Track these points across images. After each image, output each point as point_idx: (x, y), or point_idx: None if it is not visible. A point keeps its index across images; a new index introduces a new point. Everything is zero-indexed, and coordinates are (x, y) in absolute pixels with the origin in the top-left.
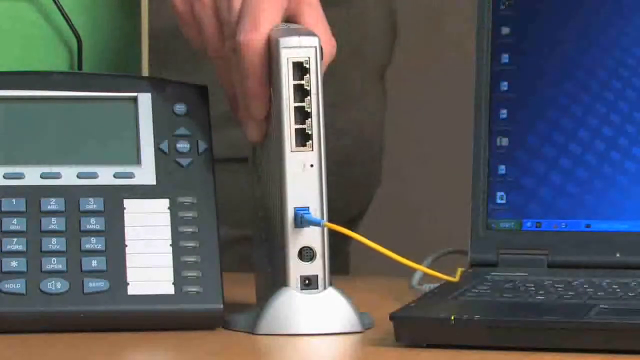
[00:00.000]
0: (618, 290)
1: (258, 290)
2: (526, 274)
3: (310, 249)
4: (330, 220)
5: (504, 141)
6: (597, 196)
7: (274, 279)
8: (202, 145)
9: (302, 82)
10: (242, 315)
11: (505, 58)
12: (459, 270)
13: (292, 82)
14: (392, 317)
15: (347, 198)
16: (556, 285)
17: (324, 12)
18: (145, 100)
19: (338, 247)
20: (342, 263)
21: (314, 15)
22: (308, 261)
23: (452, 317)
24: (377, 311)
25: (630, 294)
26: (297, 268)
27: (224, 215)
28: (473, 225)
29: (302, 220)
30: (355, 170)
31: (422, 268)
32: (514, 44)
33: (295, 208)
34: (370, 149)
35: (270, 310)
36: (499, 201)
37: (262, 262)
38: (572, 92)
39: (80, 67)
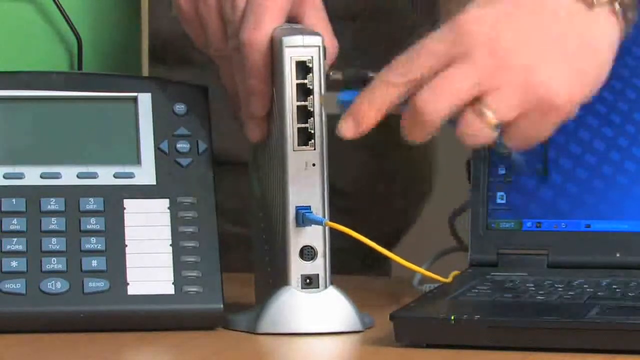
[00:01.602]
0: (618, 290)
1: (257, 290)
2: (526, 274)
3: (312, 248)
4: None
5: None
6: (597, 196)
7: (274, 278)
8: (202, 145)
9: (305, 81)
10: (242, 315)
11: None
12: (453, 273)
13: (294, 81)
14: (392, 317)
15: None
16: (556, 285)
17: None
18: (145, 100)
19: None
20: None
21: (316, 15)
22: (309, 260)
23: (452, 317)
24: (377, 311)
25: (630, 294)
26: (298, 267)
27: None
28: (473, 225)
29: (303, 219)
30: None
31: (418, 269)
32: None
33: (296, 207)
34: None
35: (271, 309)
36: (499, 201)
37: (262, 262)
38: None
39: (80, 67)
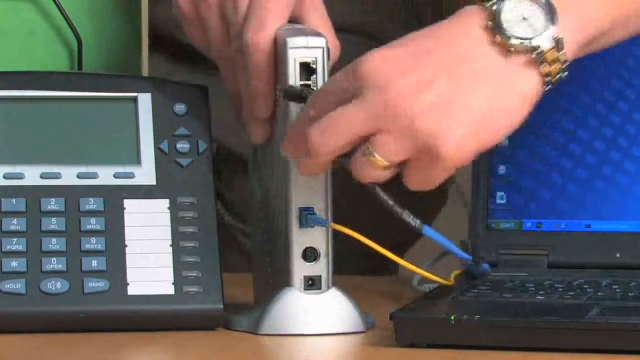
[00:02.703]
0: (618, 290)
1: (257, 290)
2: (526, 274)
3: (315, 249)
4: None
5: (504, 141)
6: (597, 196)
7: (275, 279)
8: (202, 145)
9: (309, 82)
10: (244, 316)
11: None
12: (453, 274)
13: (298, 83)
14: (392, 317)
15: None
16: (556, 285)
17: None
18: (145, 100)
19: None
20: None
21: (318, 16)
22: (312, 261)
23: (452, 317)
24: (377, 311)
25: (630, 294)
26: (300, 268)
27: None
28: (473, 225)
29: (306, 220)
30: None
31: (419, 270)
32: None
33: (299, 208)
34: None
35: (273, 310)
36: (499, 201)
37: (262, 262)
38: (572, 92)
39: (80, 67)
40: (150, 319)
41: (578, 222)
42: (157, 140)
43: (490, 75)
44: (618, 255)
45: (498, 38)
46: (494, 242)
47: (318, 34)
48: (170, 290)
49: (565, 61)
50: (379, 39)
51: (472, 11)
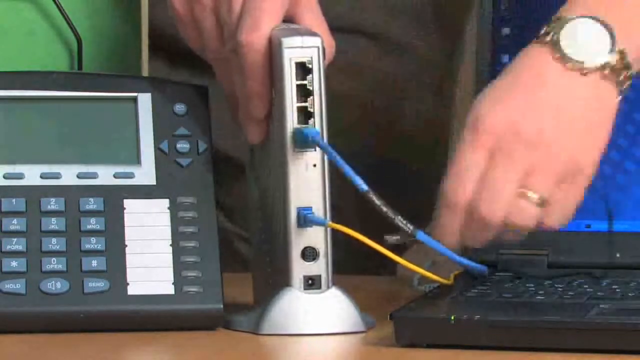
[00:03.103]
0: (618, 290)
1: (256, 290)
2: (526, 274)
3: (314, 249)
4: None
5: None
6: (597, 196)
7: (275, 279)
8: (202, 145)
9: (305, 82)
10: (244, 316)
11: (505, 58)
12: (453, 274)
13: (294, 82)
14: (392, 317)
15: None
16: (556, 285)
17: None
18: (145, 100)
19: None
20: None
21: (313, 16)
22: (311, 261)
23: (452, 317)
24: (377, 311)
25: (630, 294)
26: (300, 268)
27: None
28: None
29: (305, 220)
30: None
31: (419, 270)
32: (514, 44)
33: (298, 208)
34: None
35: (273, 310)
36: None
37: (261, 262)
38: None
39: (80, 67)
40: (150, 319)
41: (578, 222)
42: (157, 140)
43: (578, 91)
44: (618, 255)
45: (570, 65)
46: (494, 242)
47: (313, 34)
48: (170, 290)
49: (630, 68)
50: (379, 39)
51: (538, 50)
